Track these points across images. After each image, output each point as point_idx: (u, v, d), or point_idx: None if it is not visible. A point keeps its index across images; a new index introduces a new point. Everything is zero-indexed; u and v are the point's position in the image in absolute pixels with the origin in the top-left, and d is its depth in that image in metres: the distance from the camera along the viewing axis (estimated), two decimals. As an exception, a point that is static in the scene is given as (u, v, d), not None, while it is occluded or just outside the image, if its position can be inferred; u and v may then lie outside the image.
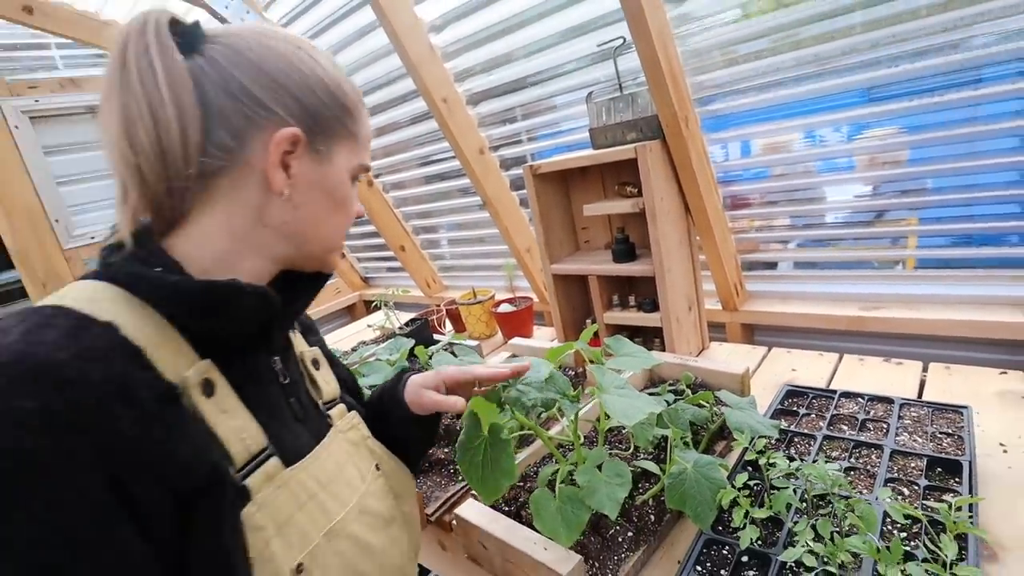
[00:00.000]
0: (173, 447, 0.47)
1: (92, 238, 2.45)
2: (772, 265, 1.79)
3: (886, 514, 0.85)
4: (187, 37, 0.54)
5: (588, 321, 1.83)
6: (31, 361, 0.42)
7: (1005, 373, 1.31)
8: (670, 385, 1.30)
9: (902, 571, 0.68)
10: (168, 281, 0.51)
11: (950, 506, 0.76)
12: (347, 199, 0.64)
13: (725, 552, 0.87)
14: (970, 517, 0.81)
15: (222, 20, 2.09)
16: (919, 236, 1.50)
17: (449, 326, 2.30)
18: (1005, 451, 1.06)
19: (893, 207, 1.49)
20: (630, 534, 0.97)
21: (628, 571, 0.91)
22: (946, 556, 0.69)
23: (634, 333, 1.68)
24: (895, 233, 1.52)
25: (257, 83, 0.54)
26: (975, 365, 1.37)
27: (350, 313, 3.31)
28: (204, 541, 0.48)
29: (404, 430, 0.81)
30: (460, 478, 1.21)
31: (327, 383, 0.73)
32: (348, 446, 0.70)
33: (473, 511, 1.01)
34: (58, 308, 0.47)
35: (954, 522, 0.73)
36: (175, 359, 0.50)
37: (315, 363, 0.73)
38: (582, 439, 1.04)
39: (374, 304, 2.15)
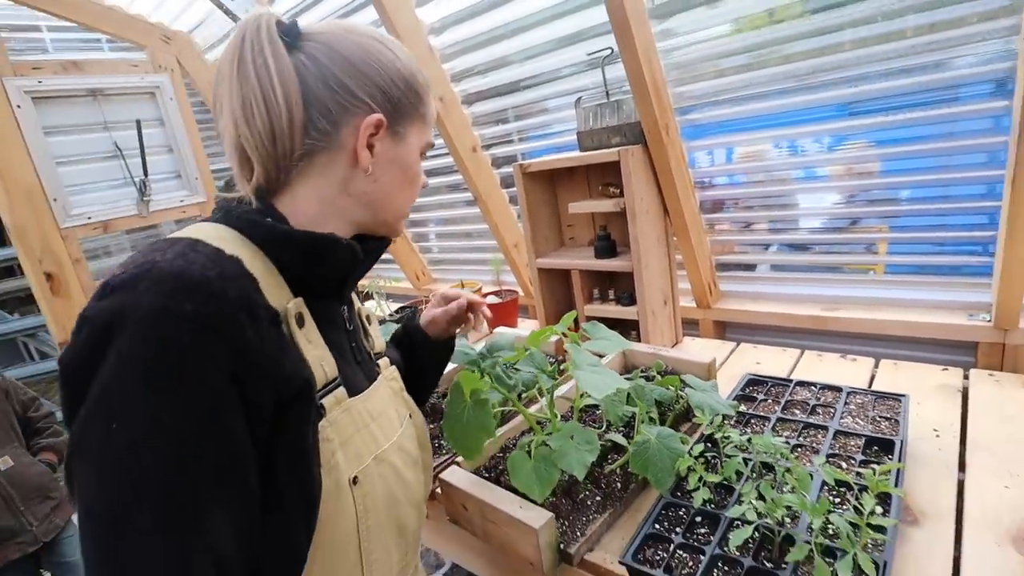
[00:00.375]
0: (280, 360, 0.58)
1: (89, 218, 2.50)
2: (745, 267, 1.90)
3: (824, 482, 0.96)
4: (290, 35, 0.64)
5: (570, 314, 1.93)
6: (188, 276, 0.52)
7: (946, 369, 1.44)
8: (642, 371, 1.40)
9: (826, 520, 0.79)
10: (280, 230, 0.62)
11: (875, 471, 0.87)
12: (417, 173, 0.74)
13: (681, 513, 0.98)
14: (896, 483, 0.92)
15: (228, 13, 2.16)
16: (889, 243, 1.61)
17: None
18: (937, 435, 1.18)
19: (858, 215, 1.61)
20: (598, 499, 1.07)
21: (595, 530, 1.01)
22: (865, 509, 0.80)
23: (612, 325, 1.76)
24: (861, 240, 1.63)
25: (349, 76, 0.64)
26: (923, 363, 1.49)
27: (339, 303, 3.38)
28: (292, 440, 0.58)
29: (426, 353, 1.03)
30: (443, 452, 1.30)
31: (377, 338, 0.86)
32: (390, 393, 0.81)
33: (456, 476, 1.10)
34: (196, 240, 0.58)
35: (876, 483, 0.84)
36: (278, 293, 0.61)
37: (368, 319, 0.86)
38: (559, 416, 1.14)
39: (365, 293, 2.23)
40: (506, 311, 2.15)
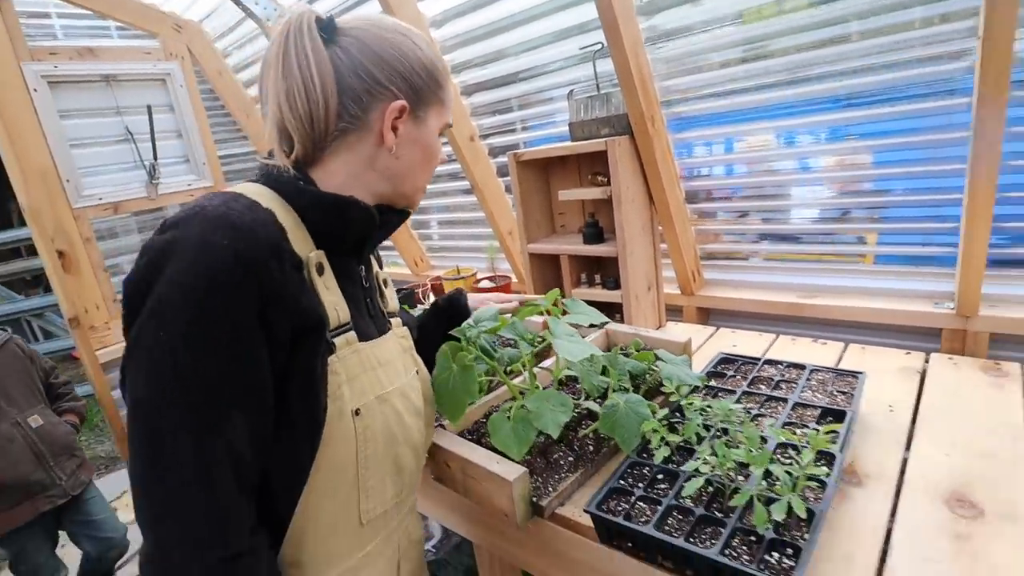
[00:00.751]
0: (299, 297, 0.68)
1: (100, 199, 2.60)
2: (727, 256, 1.99)
3: (778, 445, 1.05)
4: (327, 31, 0.74)
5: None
6: (228, 218, 0.64)
7: (909, 353, 1.52)
8: (621, 349, 1.49)
9: (768, 470, 0.88)
10: (309, 190, 0.74)
11: (817, 431, 0.96)
12: (435, 151, 0.85)
13: (645, 471, 1.06)
14: (841, 448, 1.01)
15: (239, 3, 2.25)
16: (867, 234, 1.68)
17: (432, 299, 2.47)
18: (891, 411, 1.26)
19: (837, 206, 1.69)
20: (571, 459, 1.15)
21: (566, 487, 1.09)
22: (802, 461, 0.89)
23: (598, 308, 1.86)
24: (838, 231, 1.71)
25: (377, 67, 0.74)
26: (892, 348, 1.57)
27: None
28: (305, 366, 0.69)
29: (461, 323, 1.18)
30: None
31: (391, 299, 0.97)
32: (399, 347, 0.91)
33: (441, 437, 1.19)
34: (239, 194, 0.70)
35: (817, 441, 0.92)
36: (302, 244, 0.72)
37: (385, 282, 0.97)
38: (540, 387, 1.22)
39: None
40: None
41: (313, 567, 0.77)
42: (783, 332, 1.77)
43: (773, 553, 0.83)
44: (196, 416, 0.61)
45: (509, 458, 1.06)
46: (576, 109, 1.74)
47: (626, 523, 0.92)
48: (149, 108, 2.77)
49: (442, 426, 1.27)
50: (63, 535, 2.17)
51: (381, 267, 1.04)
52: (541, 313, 1.25)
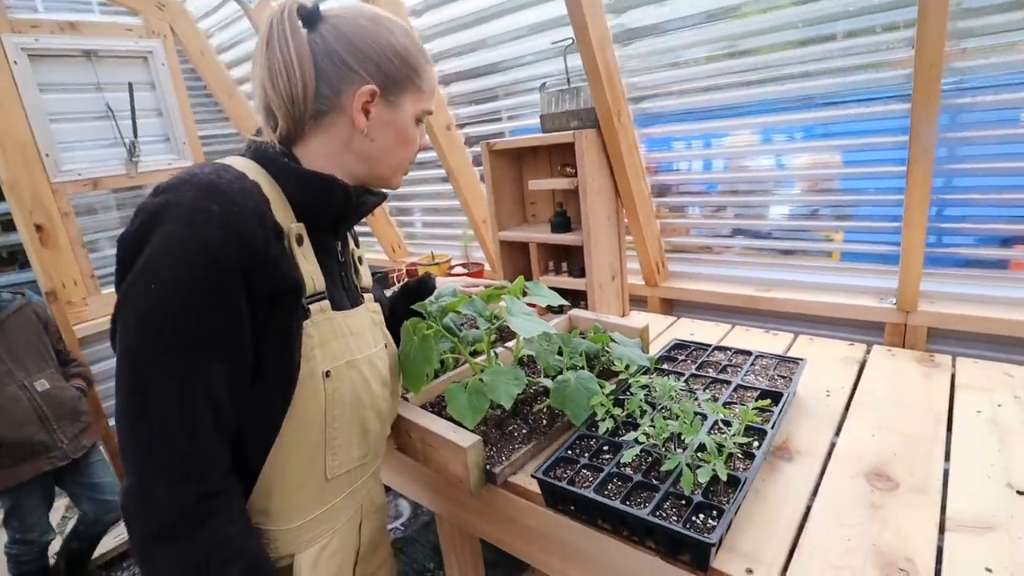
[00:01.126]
0: (279, 262, 0.75)
1: (79, 174, 2.60)
2: (690, 249, 2.06)
3: (717, 421, 1.12)
4: (309, 18, 0.81)
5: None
6: (217, 185, 0.70)
7: (852, 344, 1.61)
8: (580, 332, 1.56)
9: (692, 438, 0.95)
10: (291, 167, 0.80)
11: (747, 407, 1.03)
12: (410, 135, 0.89)
13: (592, 443, 1.13)
14: (772, 425, 1.09)
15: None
16: (839, 231, 1.76)
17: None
18: (828, 396, 1.35)
19: (793, 202, 1.77)
20: (524, 432, 1.22)
21: (519, 457, 1.16)
22: (729, 431, 0.96)
23: (563, 295, 1.92)
24: (797, 227, 1.79)
25: (349, 53, 0.80)
26: (838, 339, 1.66)
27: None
28: (280, 325, 0.76)
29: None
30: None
31: (365, 275, 1.03)
32: (370, 320, 0.96)
33: (404, 409, 1.25)
34: (228, 165, 0.76)
35: (746, 415, 1.00)
36: (284, 216, 0.78)
37: (360, 260, 1.03)
38: (500, 365, 1.29)
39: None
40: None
41: (279, 515, 0.83)
42: (741, 323, 1.86)
43: (700, 515, 0.91)
44: (180, 364, 0.67)
45: (465, 428, 1.13)
46: (547, 102, 1.80)
47: (569, 487, 0.99)
48: (130, 85, 2.77)
49: (405, 399, 1.33)
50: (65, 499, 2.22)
51: (357, 246, 1.09)
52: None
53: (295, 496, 0.84)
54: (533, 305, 1.57)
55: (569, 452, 1.11)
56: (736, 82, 1.62)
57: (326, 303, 0.83)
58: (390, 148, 0.87)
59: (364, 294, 0.99)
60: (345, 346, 0.86)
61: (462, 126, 2.30)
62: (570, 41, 1.68)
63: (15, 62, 2.37)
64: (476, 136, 2.31)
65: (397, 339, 1.13)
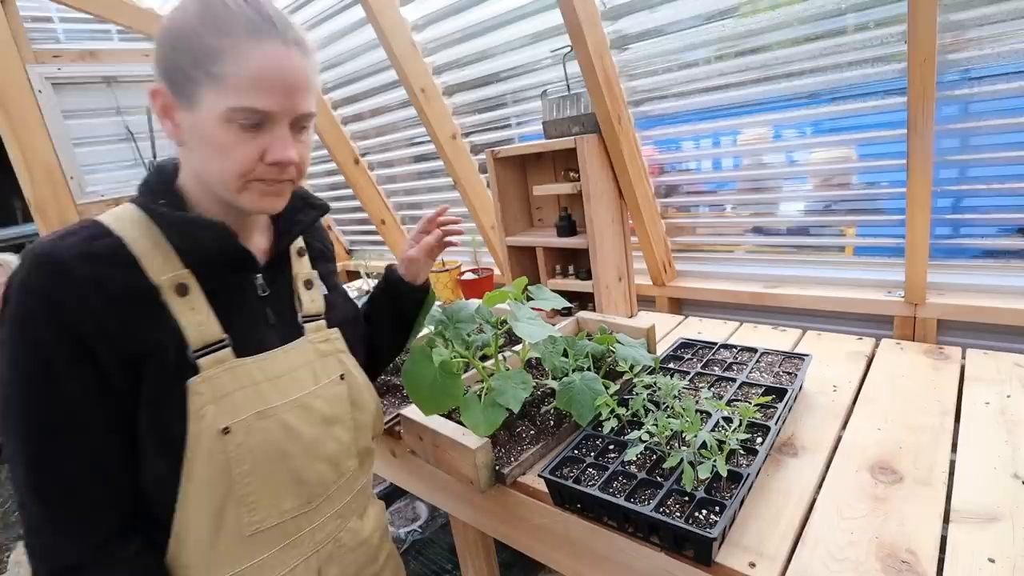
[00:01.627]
0: (133, 326, 0.70)
1: (101, 196, 2.70)
2: (696, 248, 2.07)
3: (721, 419, 1.14)
4: None
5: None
6: (48, 255, 0.67)
7: (860, 339, 1.61)
8: (588, 335, 1.58)
9: (694, 436, 0.97)
10: (162, 213, 0.73)
11: (749, 404, 1.05)
12: (221, 142, 0.69)
13: (597, 443, 1.16)
14: (776, 421, 1.10)
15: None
16: (850, 228, 1.76)
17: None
18: (835, 391, 1.35)
19: (799, 198, 1.78)
20: (532, 433, 1.25)
21: (527, 458, 1.19)
22: (732, 428, 0.98)
23: (571, 297, 1.96)
24: (805, 223, 1.80)
25: (153, 55, 0.72)
26: (847, 334, 1.66)
27: (335, 282, 3.57)
28: (147, 392, 0.71)
29: (408, 302, 1.14)
30: (409, 400, 1.48)
31: (312, 301, 0.90)
32: (313, 354, 0.86)
33: (414, 413, 1.28)
34: (96, 222, 0.72)
35: (746, 411, 1.01)
36: (163, 266, 0.73)
37: (307, 284, 0.90)
38: (507, 369, 1.32)
39: (356, 272, 2.41)
40: (481, 287, 2.33)
41: (199, 571, 0.77)
42: (750, 321, 1.86)
43: (703, 510, 0.93)
44: (27, 444, 0.67)
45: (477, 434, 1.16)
46: (549, 108, 1.83)
47: (575, 486, 1.02)
48: (148, 108, 2.86)
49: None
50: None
51: (331, 260, 1.02)
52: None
53: (211, 552, 0.76)
54: (541, 309, 1.60)
55: (575, 452, 1.13)
56: (732, 82, 1.64)
57: (225, 352, 0.75)
58: (208, 159, 0.71)
59: (311, 322, 0.89)
60: (255, 395, 0.77)
61: (467, 135, 2.34)
62: (568, 49, 1.71)
63: (39, 91, 2.48)
64: (483, 144, 2.34)
65: (382, 347, 1.11)
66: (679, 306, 2.15)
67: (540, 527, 1.15)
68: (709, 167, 1.87)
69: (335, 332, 0.92)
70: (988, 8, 1.23)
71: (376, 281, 2.40)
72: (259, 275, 0.84)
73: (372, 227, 3.11)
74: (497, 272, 2.44)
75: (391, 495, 2.45)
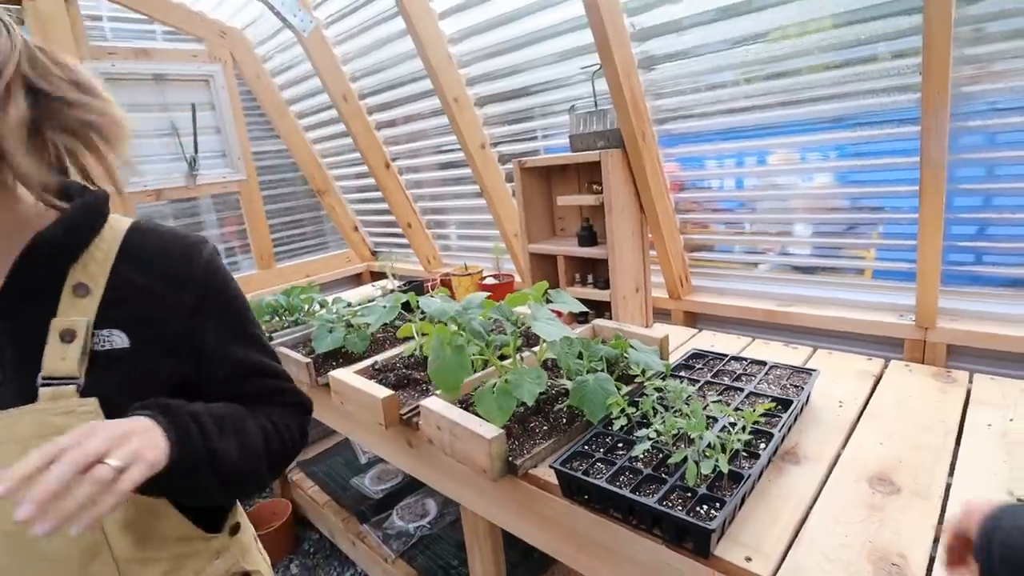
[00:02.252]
0: None
1: (145, 186, 2.84)
2: (714, 263, 2.12)
3: (726, 424, 1.19)
4: None
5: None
6: None
7: (870, 359, 1.64)
8: (603, 341, 1.64)
9: (699, 436, 1.02)
10: None
11: (753, 409, 1.10)
12: None
13: (608, 440, 1.21)
14: (780, 428, 1.15)
15: (279, 15, 2.47)
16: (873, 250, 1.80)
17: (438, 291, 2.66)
18: (841, 406, 1.39)
19: (816, 222, 1.82)
20: (546, 428, 1.31)
21: (539, 452, 1.25)
22: (735, 431, 1.04)
23: (589, 307, 2.01)
24: (819, 245, 1.85)
25: None
26: (856, 355, 1.70)
27: (356, 281, 3.67)
28: None
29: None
30: (428, 392, 1.55)
31: (62, 359, 0.70)
32: (39, 426, 0.68)
33: (434, 403, 1.36)
34: None
35: (750, 416, 1.07)
36: None
37: (64, 335, 0.70)
38: (525, 367, 1.38)
39: (381, 273, 2.50)
40: (502, 292, 2.40)
41: None
42: (763, 337, 1.91)
43: (704, 505, 0.98)
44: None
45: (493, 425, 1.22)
46: (576, 123, 1.91)
47: (584, 477, 1.08)
48: (193, 106, 3.01)
49: (436, 394, 1.43)
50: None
51: (121, 304, 0.75)
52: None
53: None
54: (559, 313, 1.66)
55: (586, 447, 1.19)
56: (756, 104, 1.70)
57: None
58: None
59: (50, 386, 0.69)
60: None
61: (495, 145, 2.43)
62: (598, 67, 1.79)
63: (95, 85, 2.62)
64: (510, 154, 2.43)
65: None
66: (694, 320, 2.20)
67: (548, 518, 1.20)
68: (731, 185, 1.92)
69: (91, 403, 0.70)
70: (1004, 44, 1.28)
71: (400, 283, 2.50)
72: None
73: (398, 230, 3.21)
74: (518, 279, 2.51)
75: (402, 491, 2.52)
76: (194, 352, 0.80)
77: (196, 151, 3.03)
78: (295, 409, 0.92)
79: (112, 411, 0.70)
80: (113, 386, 0.72)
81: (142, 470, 0.60)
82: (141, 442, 0.62)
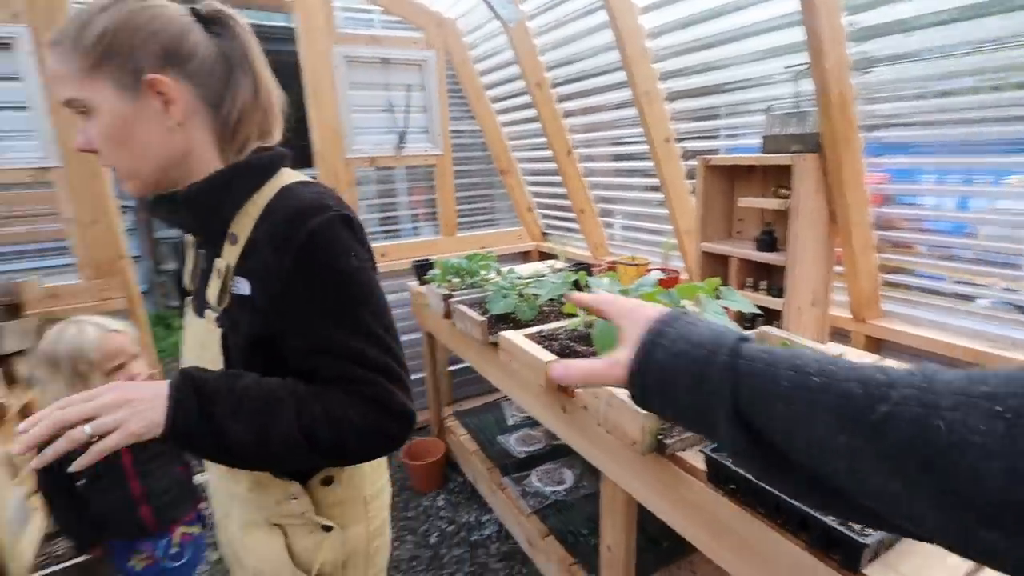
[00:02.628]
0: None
1: (362, 154, 3.33)
2: (913, 289, 1.93)
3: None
4: None
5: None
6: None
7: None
8: (769, 347, 1.61)
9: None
10: None
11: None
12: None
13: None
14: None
15: (491, 7, 2.71)
16: None
17: (605, 274, 2.75)
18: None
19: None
20: (698, 418, 1.35)
21: (690, 438, 1.29)
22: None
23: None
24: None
25: None
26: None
27: (524, 258, 3.91)
28: None
29: None
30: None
31: (211, 290, 0.87)
32: (199, 335, 0.90)
33: (593, 375, 1.47)
34: None
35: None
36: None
37: (220, 272, 0.86)
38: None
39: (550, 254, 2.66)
40: (666, 286, 2.42)
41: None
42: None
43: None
44: None
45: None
46: (771, 123, 1.86)
47: (734, 466, 1.11)
48: (408, 87, 3.43)
49: (595, 369, 1.54)
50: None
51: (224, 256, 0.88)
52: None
53: None
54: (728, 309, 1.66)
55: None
56: (998, 116, 1.51)
57: (189, 299, 0.98)
58: None
59: (207, 309, 0.88)
60: (179, 344, 0.99)
61: (679, 140, 2.44)
62: (805, 66, 1.73)
63: (337, 67, 3.13)
64: (692, 151, 2.42)
65: None
66: (878, 346, 2.03)
67: (689, 501, 1.25)
68: (949, 205, 1.74)
69: (218, 333, 0.85)
70: None
71: (568, 264, 2.64)
72: (202, 251, 0.94)
73: (570, 214, 3.36)
74: (684, 276, 2.51)
75: (543, 456, 2.69)
76: (281, 315, 0.82)
77: (406, 126, 3.45)
78: (371, 405, 0.81)
79: (228, 346, 0.85)
80: (230, 325, 0.85)
81: (117, 439, 0.67)
82: (133, 411, 0.69)
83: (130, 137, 0.78)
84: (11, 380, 2.11)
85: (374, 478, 1.05)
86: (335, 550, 0.97)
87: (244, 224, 0.84)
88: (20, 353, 2.20)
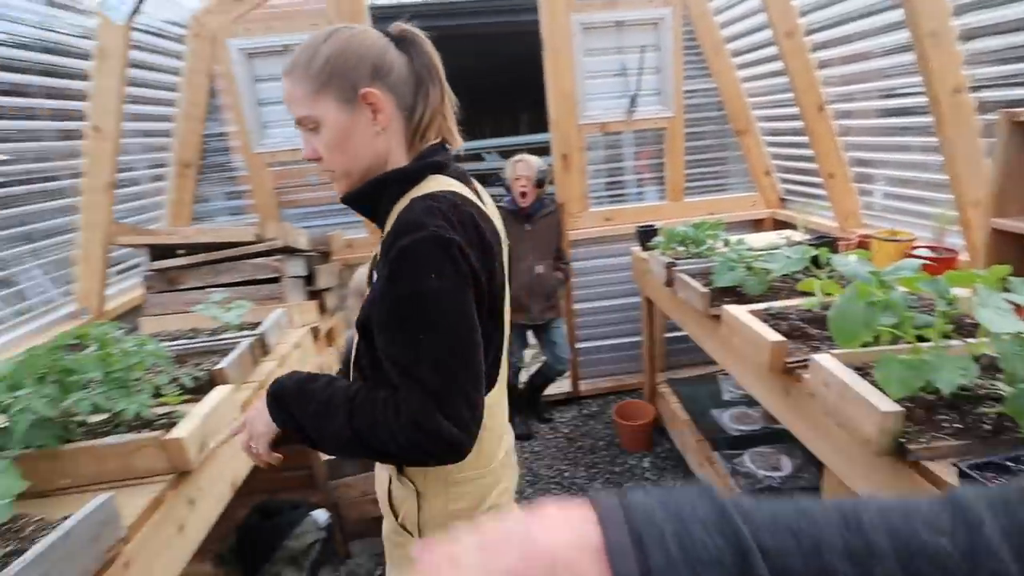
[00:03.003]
0: None
1: (595, 119, 3.44)
2: None
3: None
4: None
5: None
6: None
7: None
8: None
9: None
10: None
11: None
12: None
13: (1047, 465, 1.02)
14: None
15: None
16: None
17: (851, 253, 2.42)
18: None
19: None
20: (958, 427, 1.16)
21: (942, 448, 1.12)
22: None
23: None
24: None
25: None
26: None
27: (756, 227, 3.62)
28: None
29: None
30: (819, 349, 1.53)
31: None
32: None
33: (828, 360, 1.35)
34: None
35: None
36: None
37: (375, 258, 1.03)
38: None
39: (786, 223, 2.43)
40: (939, 269, 2.04)
41: None
42: None
43: None
44: None
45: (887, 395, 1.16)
46: None
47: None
48: (643, 48, 3.37)
49: (831, 353, 1.41)
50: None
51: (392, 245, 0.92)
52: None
53: None
54: (1018, 307, 1.35)
55: (1009, 463, 1.03)
56: None
57: None
58: None
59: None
60: None
61: (976, 89, 1.98)
62: None
63: (575, 35, 3.22)
64: (995, 102, 1.95)
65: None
66: None
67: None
68: None
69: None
70: None
71: (809, 237, 2.39)
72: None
73: (816, 179, 3.00)
74: (963, 257, 2.09)
75: (758, 438, 2.57)
76: (371, 314, 0.93)
77: (638, 89, 3.42)
78: (413, 425, 0.84)
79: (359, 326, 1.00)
80: (364, 311, 0.97)
81: (262, 444, 1.02)
82: (258, 426, 1.02)
83: (348, 142, 0.94)
84: (323, 309, 2.77)
85: (463, 467, 1.00)
86: (411, 509, 1.04)
87: (389, 223, 0.95)
88: (327, 290, 2.87)
